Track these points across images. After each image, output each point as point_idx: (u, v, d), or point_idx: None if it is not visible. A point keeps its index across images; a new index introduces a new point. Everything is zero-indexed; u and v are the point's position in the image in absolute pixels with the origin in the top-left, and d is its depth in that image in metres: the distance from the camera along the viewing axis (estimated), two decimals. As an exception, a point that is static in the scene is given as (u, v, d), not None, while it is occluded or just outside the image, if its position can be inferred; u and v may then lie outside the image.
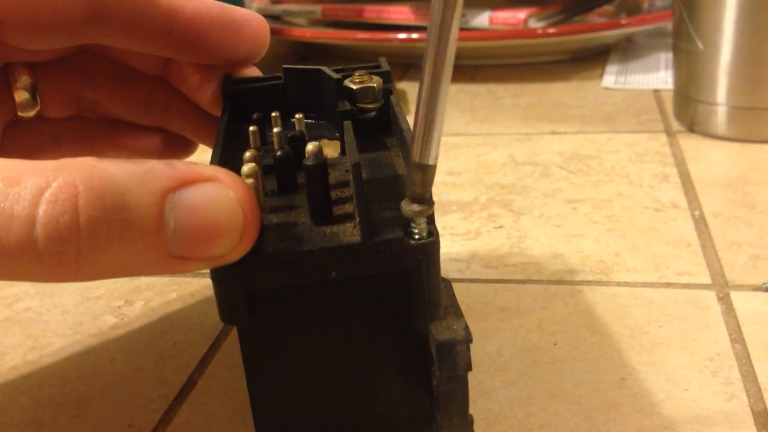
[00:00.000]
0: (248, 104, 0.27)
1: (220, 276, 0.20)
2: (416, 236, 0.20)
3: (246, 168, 0.20)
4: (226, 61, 0.29)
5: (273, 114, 0.25)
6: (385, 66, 0.27)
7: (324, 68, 0.27)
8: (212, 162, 0.22)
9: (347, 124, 0.23)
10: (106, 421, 0.28)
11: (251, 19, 0.28)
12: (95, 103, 0.30)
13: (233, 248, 0.18)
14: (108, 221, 0.17)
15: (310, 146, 0.21)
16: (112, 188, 0.17)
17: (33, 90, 0.28)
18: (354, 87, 0.26)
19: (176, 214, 0.18)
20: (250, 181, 0.20)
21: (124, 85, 0.31)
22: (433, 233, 0.20)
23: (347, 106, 0.25)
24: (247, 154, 0.21)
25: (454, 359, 0.20)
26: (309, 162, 0.20)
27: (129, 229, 0.17)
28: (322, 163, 0.20)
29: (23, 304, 0.36)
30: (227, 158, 0.23)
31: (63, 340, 0.33)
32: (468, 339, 0.20)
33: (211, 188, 0.18)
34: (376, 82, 0.26)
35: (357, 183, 0.19)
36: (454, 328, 0.20)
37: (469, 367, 0.20)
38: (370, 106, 0.26)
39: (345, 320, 0.21)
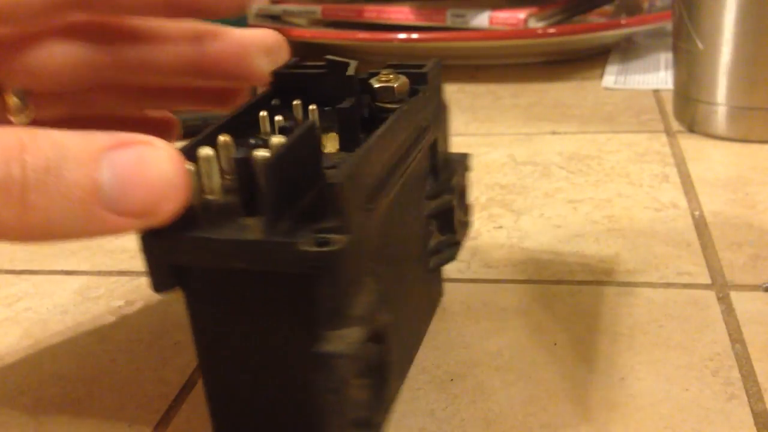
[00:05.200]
0: (290, 89, 0.27)
1: (145, 246, 0.21)
2: (320, 243, 0.20)
3: (202, 151, 0.22)
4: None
5: (294, 102, 0.27)
6: (430, 67, 0.28)
7: (352, 62, 0.27)
8: (196, 141, 0.23)
9: (311, 121, 0.23)
10: (106, 421, 0.28)
11: None
12: (88, 100, 0.30)
13: (162, 206, 0.20)
14: (48, 169, 0.19)
15: (274, 140, 0.22)
16: (53, 144, 0.19)
17: (24, 95, 0.28)
18: (375, 85, 0.26)
19: (111, 169, 0.19)
20: (206, 153, 0.21)
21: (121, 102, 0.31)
22: (332, 243, 0.19)
23: (351, 102, 0.25)
24: (221, 139, 0.23)
25: (331, 371, 0.19)
26: (236, 155, 0.21)
27: (68, 178, 0.19)
28: (246, 158, 0.21)
29: (23, 304, 0.36)
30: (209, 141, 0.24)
31: (63, 340, 0.33)
32: (351, 353, 0.20)
33: (144, 148, 0.20)
34: (400, 81, 0.26)
35: (267, 181, 0.20)
36: (346, 339, 0.20)
37: (347, 382, 0.20)
38: (389, 105, 0.26)
39: (262, 309, 0.22)
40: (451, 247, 0.30)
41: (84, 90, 0.30)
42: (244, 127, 0.26)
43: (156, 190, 0.20)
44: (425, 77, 0.27)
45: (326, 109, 0.27)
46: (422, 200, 0.29)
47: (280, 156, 0.20)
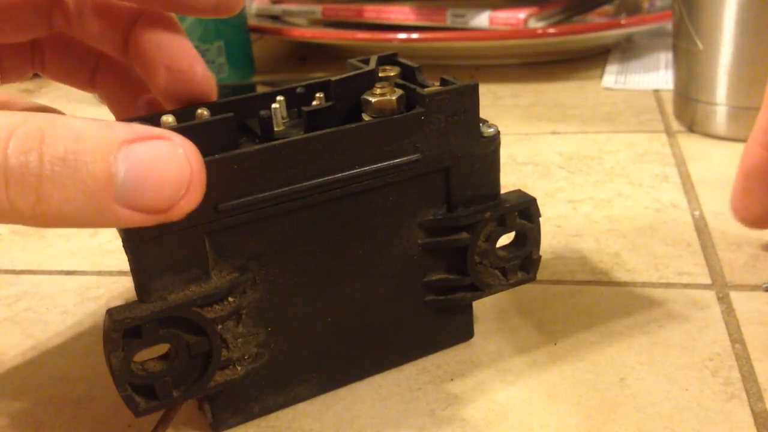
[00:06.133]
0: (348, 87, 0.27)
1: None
2: None
3: (163, 117, 0.24)
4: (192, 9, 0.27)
5: (298, 90, 0.28)
6: (434, 93, 0.26)
7: (372, 68, 0.27)
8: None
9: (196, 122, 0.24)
10: (106, 421, 0.28)
11: None
12: (42, 64, 0.30)
13: (176, 204, 0.20)
14: (66, 161, 0.19)
15: (164, 118, 0.24)
16: (72, 134, 0.19)
17: None
18: (372, 99, 0.25)
19: (128, 164, 0.19)
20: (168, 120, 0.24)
21: (70, 60, 0.31)
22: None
23: (319, 105, 0.26)
24: (198, 111, 0.25)
25: (106, 332, 0.23)
26: None
27: (83, 170, 0.19)
28: None
29: (23, 304, 0.36)
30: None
31: (63, 340, 0.33)
32: (125, 324, 0.23)
33: (162, 143, 0.20)
34: (385, 98, 0.25)
35: None
36: (126, 312, 0.23)
37: (117, 346, 0.23)
38: (366, 116, 0.26)
39: None
40: (463, 290, 0.28)
41: (36, 49, 0.30)
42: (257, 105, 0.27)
43: (171, 189, 0.20)
44: (423, 100, 0.25)
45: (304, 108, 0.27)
46: (412, 227, 0.27)
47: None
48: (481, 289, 0.28)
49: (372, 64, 0.28)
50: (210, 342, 0.24)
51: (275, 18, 0.79)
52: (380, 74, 0.28)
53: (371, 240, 0.27)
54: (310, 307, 0.26)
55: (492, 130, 0.27)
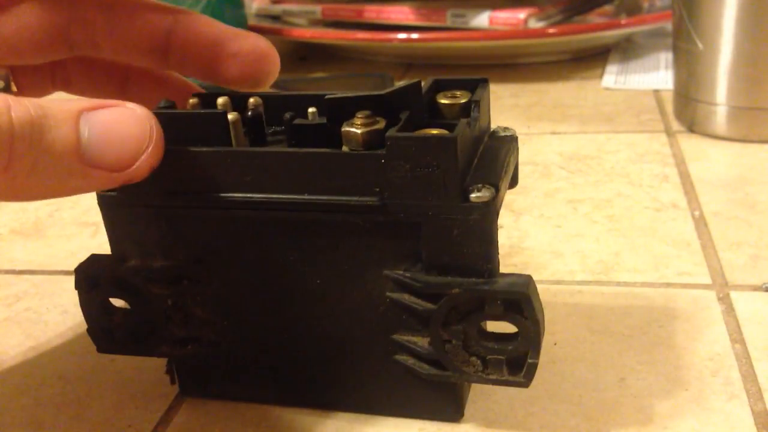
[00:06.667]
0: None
1: None
2: None
3: (220, 99, 0.26)
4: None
5: (311, 110, 0.26)
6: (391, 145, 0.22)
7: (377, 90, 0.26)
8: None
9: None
10: (106, 421, 0.28)
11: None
12: (65, 79, 0.31)
13: (139, 160, 0.21)
14: (33, 124, 0.20)
15: (220, 100, 0.26)
16: (36, 105, 0.20)
17: (8, 79, 0.29)
18: (342, 128, 0.23)
19: (90, 126, 0.21)
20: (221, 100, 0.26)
21: (96, 74, 0.31)
22: None
23: (303, 120, 0.25)
24: (251, 100, 0.26)
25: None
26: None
27: (51, 134, 0.20)
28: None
29: (23, 304, 0.36)
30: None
31: (63, 340, 0.33)
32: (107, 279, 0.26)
33: (120, 108, 0.21)
34: (371, 127, 0.23)
35: None
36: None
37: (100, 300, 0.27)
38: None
39: None
40: (429, 364, 0.25)
41: (58, 65, 0.30)
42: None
43: (133, 145, 0.21)
44: (386, 141, 0.22)
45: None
46: (380, 275, 0.24)
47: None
48: (448, 371, 0.24)
49: (384, 89, 0.25)
50: (153, 314, 0.26)
51: (275, 18, 0.79)
52: (442, 101, 0.26)
53: (331, 273, 0.25)
54: (264, 318, 0.26)
55: (484, 195, 0.22)
